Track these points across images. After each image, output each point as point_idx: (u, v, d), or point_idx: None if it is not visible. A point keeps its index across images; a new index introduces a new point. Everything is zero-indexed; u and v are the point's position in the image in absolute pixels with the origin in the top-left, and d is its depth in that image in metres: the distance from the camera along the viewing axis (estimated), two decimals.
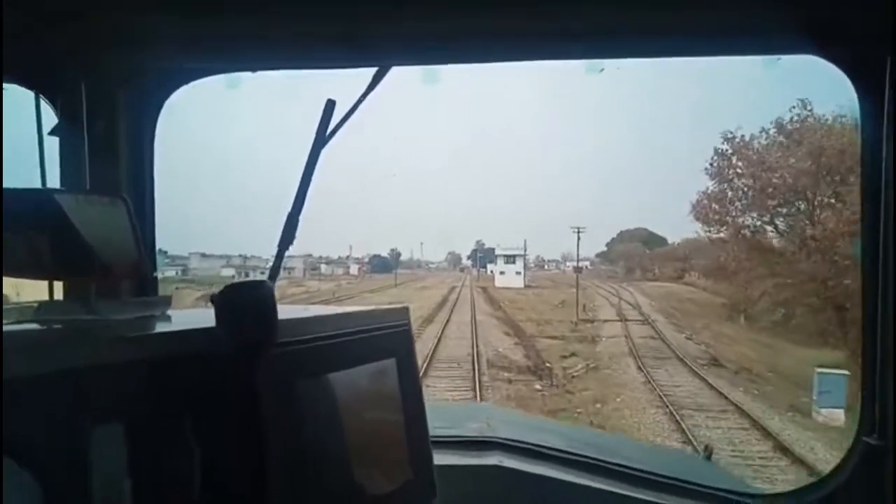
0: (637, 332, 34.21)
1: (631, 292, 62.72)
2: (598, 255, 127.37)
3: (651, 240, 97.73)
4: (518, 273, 74.36)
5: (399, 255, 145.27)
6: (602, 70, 1.77)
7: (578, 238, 54.12)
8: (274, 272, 1.49)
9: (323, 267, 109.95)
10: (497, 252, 76.65)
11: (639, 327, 36.79)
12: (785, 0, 1.37)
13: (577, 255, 62.96)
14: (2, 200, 0.97)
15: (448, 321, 36.39)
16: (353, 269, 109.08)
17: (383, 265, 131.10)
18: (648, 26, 1.47)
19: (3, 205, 0.98)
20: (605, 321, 40.33)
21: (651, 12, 1.41)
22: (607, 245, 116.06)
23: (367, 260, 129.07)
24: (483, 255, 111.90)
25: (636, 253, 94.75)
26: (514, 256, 75.01)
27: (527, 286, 73.01)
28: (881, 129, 1.41)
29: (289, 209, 1.44)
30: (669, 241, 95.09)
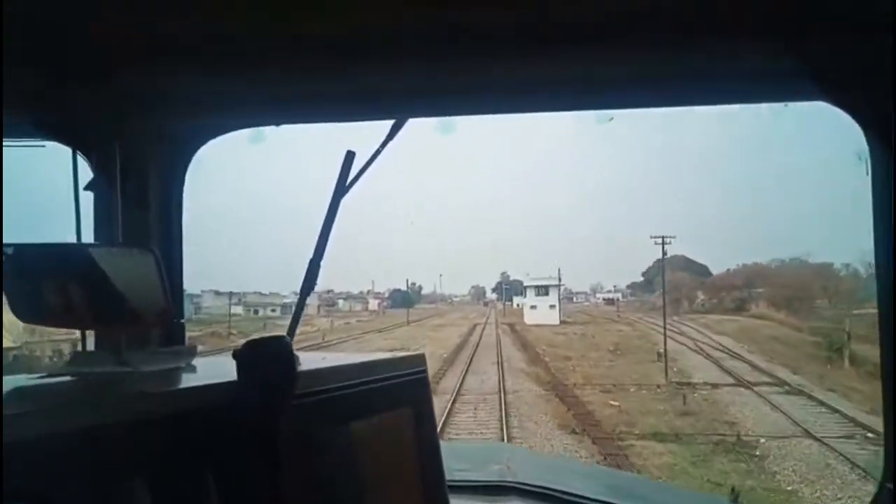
0: (801, 412, 17.68)
1: (697, 329, 45.93)
2: (629, 287, 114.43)
3: (689, 267, 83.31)
4: (552, 307, 57.83)
5: (420, 288, 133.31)
6: (611, 119, 1.75)
7: (663, 251, 37.48)
8: (295, 319, 1.38)
9: (340, 302, 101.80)
10: (526, 283, 60.29)
11: (785, 397, 20.80)
12: (794, 47, 1.28)
13: (664, 276, 45.78)
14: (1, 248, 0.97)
15: (458, 391, 20.24)
16: (373, 304, 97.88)
17: (404, 299, 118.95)
18: (658, 76, 1.41)
19: (39, 258, 1.01)
20: (716, 386, 24.06)
21: (661, 63, 1.36)
22: (643, 275, 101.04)
23: (387, 294, 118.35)
24: (509, 288, 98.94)
25: (682, 282, 77.50)
26: (546, 287, 58.58)
27: (562, 322, 56.63)
28: (891, 175, 1.35)
29: (310, 256, 1.39)
30: (710, 269, 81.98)
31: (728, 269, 73.05)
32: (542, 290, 58.51)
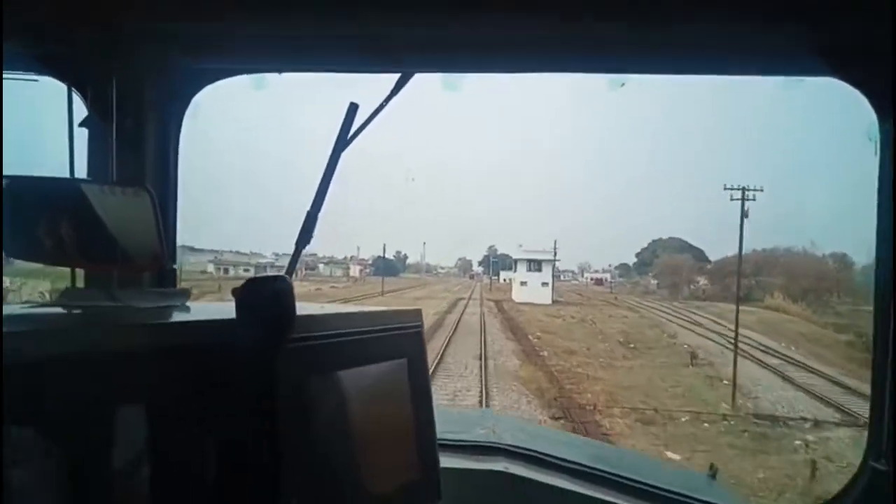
0: None
1: (712, 319, 37.53)
2: (618, 267, 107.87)
3: (686, 251, 75.38)
4: (545, 284, 49.12)
5: (406, 257, 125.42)
6: (623, 85, 1.64)
7: (743, 207, 28.59)
8: (290, 269, 1.35)
9: (321, 267, 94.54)
10: (517, 256, 51.33)
11: None
12: (805, 22, 1.26)
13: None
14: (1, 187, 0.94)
15: None
16: (354, 271, 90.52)
17: (388, 268, 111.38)
18: (670, 43, 1.38)
19: (30, 192, 0.98)
20: (820, 425, 14.84)
21: (674, 29, 1.32)
22: (637, 255, 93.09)
23: (370, 262, 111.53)
24: (496, 261, 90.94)
25: (681, 266, 69.11)
26: (540, 262, 49.71)
27: (555, 302, 48.04)
28: None
29: (308, 208, 1.34)
30: (707, 254, 74.20)
31: (732, 255, 64.55)
32: (535, 265, 49.71)
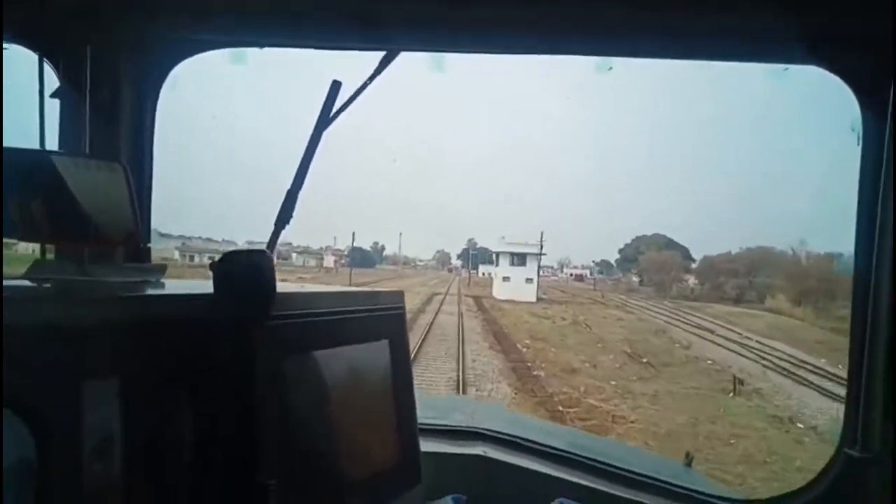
0: None
1: (715, 322, 32.30)
2: (598, 263, 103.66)
3: (671, 248, 70.71)
4: (529, 280, 43.30)
5: (383, 248, 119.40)
6: (610, 69, 1.59)
7: None
8: (269, 247, 1.22)
9: (294, 256, 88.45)
10: (500, 248, 45.39)
11: None
12: (792, 10, 1.24)
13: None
14: (1, 161, 0.89)
15: None
16: (329, 262, 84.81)
17: (364, 259, 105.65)
18: (657, 27, 1.34)
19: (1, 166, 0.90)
20: None
21: (660, 13, 1.29)
22: (620, 252, 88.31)
23: (346, 252, 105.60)
24: (476, 254, 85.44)
25: (668, 263, 63.99)
26: (524, 256, 43.81)
27: (539, 299, 42.34)
28: (882, 141, 1.30)
29: (288, 186, 1.26)
30: (692, 252, 69.70)
31: (730, 252, 59.58)
32: (519, 259, 43.89)
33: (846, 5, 1.20)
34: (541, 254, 45.23)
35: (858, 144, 1.35)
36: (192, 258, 71.23)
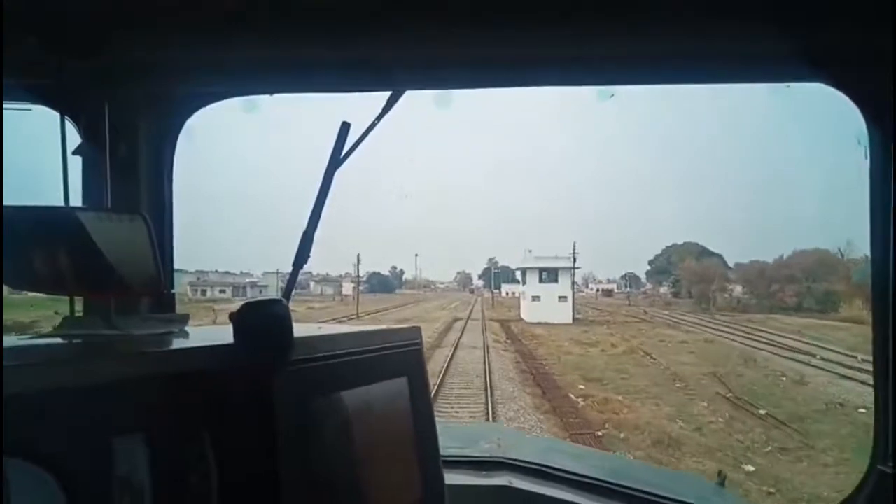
0: None
1: (795, 338, 24.66)
2: (623, 277, 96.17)
3: (706, 256, 63.07)
4: (563, 299, 36.06)
5: (402, 273, 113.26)
6: (612, 96, 1.63)
7: None
8: (288, 290, 1.29)
9: (312, 285, 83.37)
10: (527, 265, 38.26)
11: None
12: (793, 28, 1.20)
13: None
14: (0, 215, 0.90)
15: None
16: (347, 289, 79.54)
17: (384, 284, 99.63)
18: (659, 53, 1.31)
19: (25, 221, 0.94)
20: None
21: (661, 40, 1.26)
22: (650, 263, 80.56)
23: (365, 278, 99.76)
24: (498, 273, 78.53)
25: (709, 272, 55.91)
26: (556, 271, 36.65)
27: (576, 320, 35.08)
28: (889, 156, 1.27)
29: (304, 228, 1.28)
30: (727, 260, 61.87)
31: (782, 257, 51.58)
32: (550, 275, 36.72)
33: (849, 21, 1.16)
34: (574, 267, 38.00)
35: (866, 158, 1.31)
36: (203, 292, 66.51)
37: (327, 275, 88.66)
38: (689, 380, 17.42)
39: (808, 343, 24.31)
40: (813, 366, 18.94)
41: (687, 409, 13.86)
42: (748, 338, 27.35)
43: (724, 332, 30.34)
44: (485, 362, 18.23)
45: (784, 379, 17.13)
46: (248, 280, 74.12)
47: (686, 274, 59.84)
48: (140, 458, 0.74)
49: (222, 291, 69.10)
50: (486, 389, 14.51)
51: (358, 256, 42.93)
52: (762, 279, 50.02)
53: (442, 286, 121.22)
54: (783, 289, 47.31)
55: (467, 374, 16.83)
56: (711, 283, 54.78)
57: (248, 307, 0.86)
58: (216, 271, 78.09)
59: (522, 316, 37.08)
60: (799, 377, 16.98)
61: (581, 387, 16.04)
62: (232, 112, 1.66)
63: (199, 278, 69.24)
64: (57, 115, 1.29)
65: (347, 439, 0.99)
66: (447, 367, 17.11)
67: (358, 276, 51.92)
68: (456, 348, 21.41)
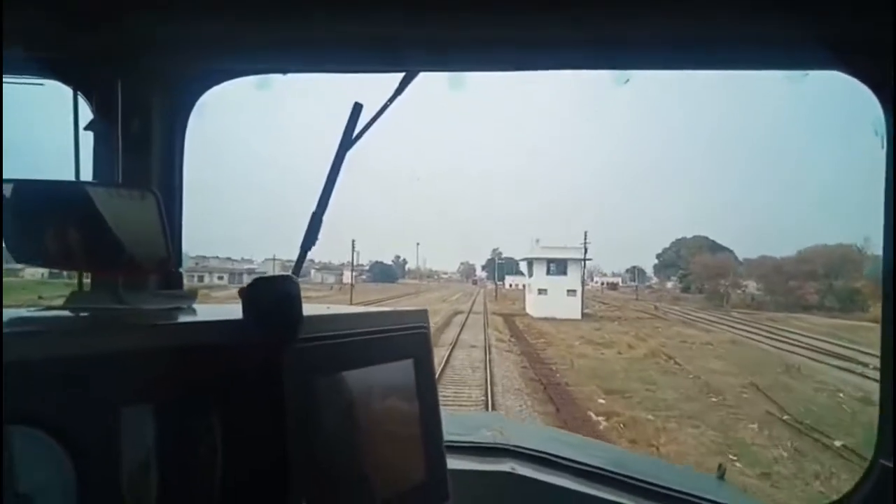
0: None
1: (855, 347, 21.42)
2: (628, 271, 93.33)
3: (714, 251, 59.96)
4: (572, 293, 33.02)
5: (405, 262, 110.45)
6: (627, 81, 1.58)
7: None
8: (296, 271, 1.22)
9: (312, 273, 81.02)
10: (533, 255, 35.17)
11: None
12: (808, 15, 1.18)
13: None
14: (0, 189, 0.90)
15: None
16: (348, 277, 77.26)
17: (386, 273, 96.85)
18: (673, 37, 1.28)
19: (35, 195, 0.93)
20: None
21: (677, 24, 1.23)
22: (658, 257, 77.41)
23: (367, 267, 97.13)
24: (502, 264, 75.65)
25: (722, 267, 52.68)
26: (565, 262, 33.56)
27: (585, 315, 32.10)
28: None
29: (314, 209, 1.25)
30: (738, 254, 58.64)
31: (798, 252, 48.25)
32: (558, 267, 33.62)
33: (866, 8, 1.13)
34: (585, 259, 34.89)
35: (883, 147, 1.27)
36: (200, 279, 64.01)
37: (329, 262, 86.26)
38: (727, 393, 14.43)
39: (848, 348, 21.24)
40: (872, 378, 15.88)
41: (737, 437, 10.87)
42: (777, 339, 24.30)
43: (747, 332, 27.31)
44: (486, 369, 15.25)
45: (842, 395, 14.13)
46: (245, 267, 71.82)
47: (698, 268, 56.60)
48: (148, 428, 0.74)
49: (220, 278, 66.67)
50: (486, 408, 11.57)
51: (353, 242, 39.74)
52: (779, 275, 46.74)
53: (445, 276, 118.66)
54: (802, 286, 44.03)
55: (464, 383, 13.87)
56: (724, 278, 51.62)
57: (259, 282, 0.85)
58: (217, 257, 75.88)
59: (527, 310, 34.10)
60: (861, 393, 13.97)
61: (601, 401, 13.09)
62: (242, 92, 1.60)
63: (197, 263, 66.84)
64: (69, 90, 1.29)
65: (353, 418, 0.98)
66: (441, 373, 14.16)
67: (353, 263, 48.88)
68: (454, 348, 18.44)
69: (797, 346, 22.17)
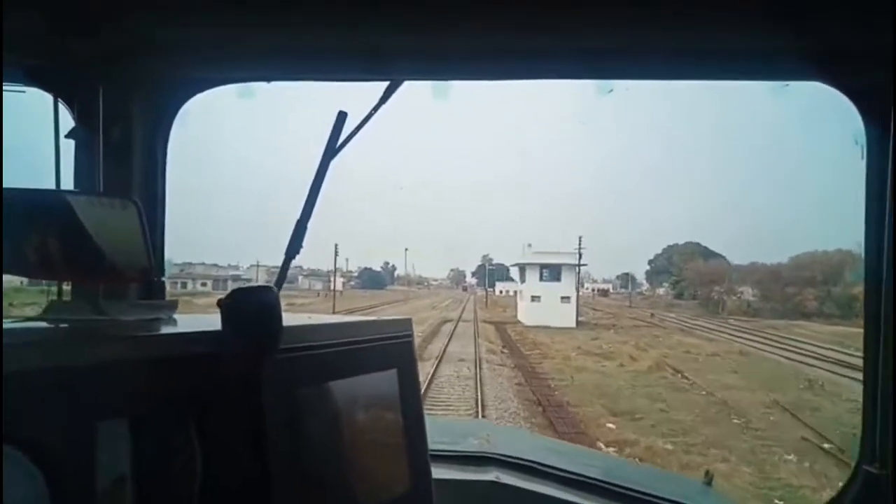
0: None
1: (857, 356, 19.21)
2: (619, 277, 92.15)
3: (708, 257, 58.76)
4: (566, 300, 31.16)
5: (394, 269, 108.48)
6: (611, 91, 1.58)
7: None
8: (279, 280, 1.23)
9: (300, 279, 79.31)
10: (525, 260, 33.26)
11: None
12: (791, 26, 1.18)
13: None
14: (1, 198, 0.88)
15: None
16: (338, 284, 74.99)
17: (375, 280, 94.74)
18: (657, 48, 1.28)
19: (15, 204, 0.90)
20: None
21: (661, 35, 1.23)
22: (650, 263, 76.02)
23: (356, 273, 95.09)
24: (493, 270, 73.94)
25: (718, 273, 51.29)
26: (559, 267, 31.72)
27: (579, 324, 30.24)
28: (886, 156, 1.24)
29: (297, 217, 1.25)
30: (729, 260, 57.45)
31: (798, 257, 46.91)
32: (551, 273, 31.76)
33: (847, 19, 1.13)
34: (580, 264, 33.03)
35: (863, 158, 1.29)
36: (184, 285, 61.66)
37: (317, 269, 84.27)
38: (750, 414, 12.59)
39: (841, 353, 19.50)
40: None
41: (778, 475, 8.94)
42: (785, 349, 22.56)
43: (750, 341, 25.57)
44: (476, 387, 13.25)
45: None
46: (230, 273, 69.58)
47: (692, 275, 55.08)
48: (124, 441, 0.72)
49: (203, 284, 64.38)
50: None
51: (335, 246, 37.58)
52: (776, 281, 45.26)
53: (435, 283, 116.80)
54: (800, 292, 42.53)
55: (450, 405, 11.87)
56: (718, 284, 50.12)
57: (238, 294, 0.83)
58: (203, 263, 73.56)
59: (520, 318, 32.18)
60: None
61: (610, 426, 11.17)
62: (225, 99, 1.55)
63: (181, 270, 64.57)
64: (51, 97, 1.27)
65: (335, 429, 0.96)
66: (424, 393, 12.13)
67: (335, 268, 46.60)
68: (440, 362, 16.42)
69: (808, 356, 20.45)
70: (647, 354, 20.22)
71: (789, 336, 27.43)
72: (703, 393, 14.62)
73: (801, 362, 19.32)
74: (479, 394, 12.62)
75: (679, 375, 16.90)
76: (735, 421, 12.14)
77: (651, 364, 18.17)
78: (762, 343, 24.89)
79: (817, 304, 40.80)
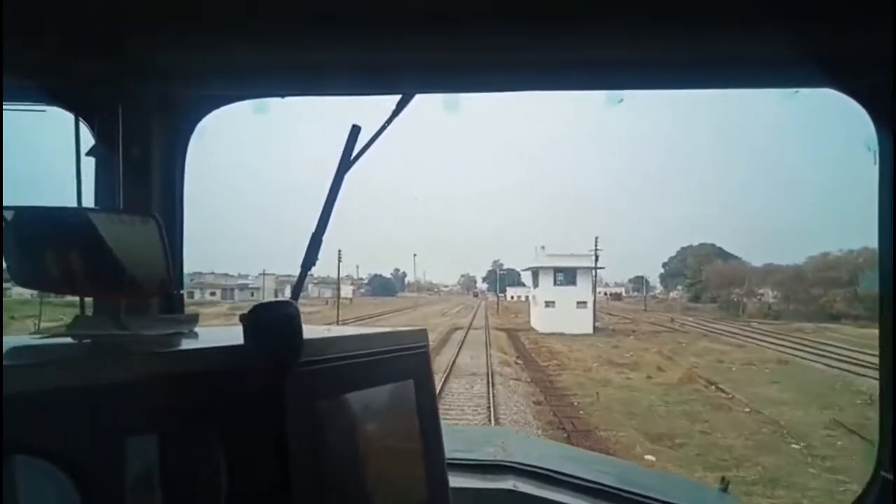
0: None
1: None
2: (631, 281, 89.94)
3: (725, 259, 56.70)
4: (582, 305, 29.20)
5: (404, 275, 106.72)
6: (621, 101, 1.54)
7: None
8: (296, 291, 1.25)
9: (310, 287, 77.83)
10: (539, 263, 31.38)
11: None
12: (801, 33, 1.17)
13: None
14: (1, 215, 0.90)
15: None
16: (347, 291, 73.99)
17: (385, 287, 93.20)
18: (668, 58, 1.27)
19: (39, 222, 0.95)
20: None
21: (670, 44, 1.22)
22: (664, 266, 73.69)
23: (366, 281, 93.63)
24: (504, 275, 72.08)
25: (737, 275, 48.95)
26: (574, 271, 29.81)
27: (596, 329, 28.30)
28: None
29: (313, 230, 1.24)
30: (747, 262, 55.04)
31: (827, 256, 44.39)
32: (566, 277, 29.85)
33: (858, 26, 1.11)
34: (597, 267, 31.09)
35: (875, 164, 1.27)
36: (191, 295, 60.53)
37: (327, 277, 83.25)
38: (811, 437, 10.69)
39: None
40: None
41: None
42: (824, 355, 20.49)
43: (782, 346, 23.50)
44: (489, 407, 11.46)
45: None
46: (238, 282, 68.58)
47: (709, 277, 52.75)
48: (151, 457, 0.74)
49: (212, 294, 63.34)
50: None
51: (339, 252, 35.96)
52: (799, 282, 42.89)
53: (445, 289, 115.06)
54: (826, 293, 40.15)
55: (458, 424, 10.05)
56: (737, 286, 47.79)
57: (259, 308, 0.84)
58: (213, 273, 72.62)
59: (533, 324, 30.30)
60: None
61: (649, 457, 9.35)
62: (242, 115, 1.61)
63: (192, 280, 63.59)
64: (71, 116, 1.28)
65: (354, 441, 0.97)
66: None
67: (339, 275, 45.02)
68: (448, 376, 14.65)
69: (853, 363, 18.33)
70: (674, 364, 18.30)
71: (822, 340, 25.28)
72: (748, 410, 12.71)
73: (847, 371, 17.26)
74: (492, 417, 10.83)
75: (714, 388, 14.99)
76: (794, 446, 10.25)
77: (682, 375, 16.23)
78: (795, 348, 22.82)
79: (845, 306, 38.41)
